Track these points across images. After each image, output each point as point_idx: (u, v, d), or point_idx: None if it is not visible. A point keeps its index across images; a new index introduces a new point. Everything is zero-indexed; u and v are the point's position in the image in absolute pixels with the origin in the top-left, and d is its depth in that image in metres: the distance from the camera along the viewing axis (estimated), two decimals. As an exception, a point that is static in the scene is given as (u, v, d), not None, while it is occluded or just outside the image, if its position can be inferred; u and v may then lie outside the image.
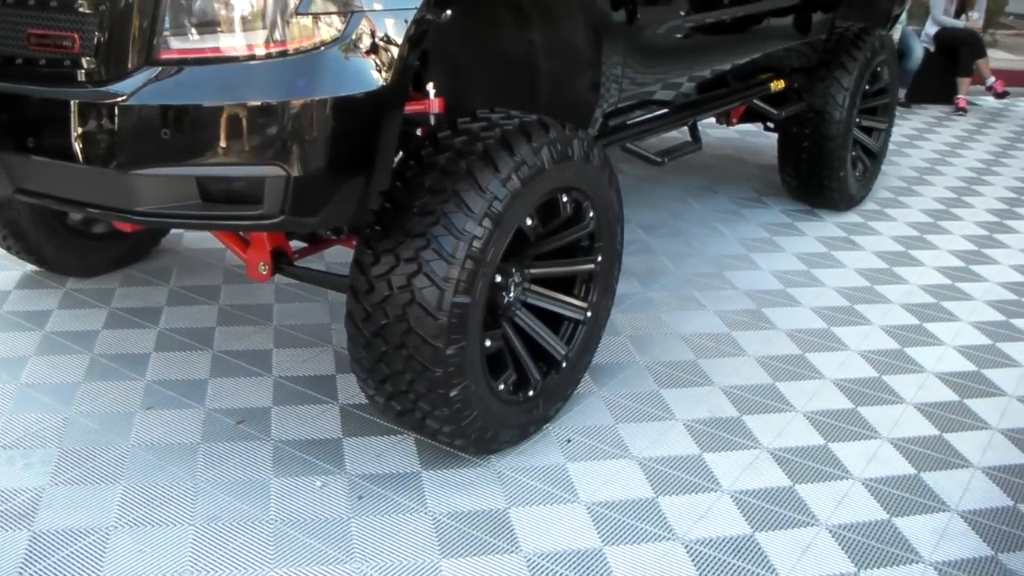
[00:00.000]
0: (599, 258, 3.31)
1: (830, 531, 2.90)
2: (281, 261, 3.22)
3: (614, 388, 3.61)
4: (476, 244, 2.68)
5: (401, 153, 2.85)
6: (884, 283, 4.79)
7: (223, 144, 2.46)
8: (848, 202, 5.76)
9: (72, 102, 2.46)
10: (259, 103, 2.42)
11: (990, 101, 9.84)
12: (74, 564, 2.59)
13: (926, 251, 5.31)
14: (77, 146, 2.48)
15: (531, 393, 3.13)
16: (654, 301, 4.40)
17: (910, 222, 5.78)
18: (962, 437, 3.44)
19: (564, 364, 3.25)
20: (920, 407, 3.63)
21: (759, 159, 6.89)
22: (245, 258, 3.25)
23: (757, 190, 6.18)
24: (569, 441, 3.26)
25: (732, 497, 3.01)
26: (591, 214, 3.21)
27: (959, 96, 9.27)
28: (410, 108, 2.81)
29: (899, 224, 5.72)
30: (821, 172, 5.52)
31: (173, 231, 4.69)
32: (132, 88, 2.42)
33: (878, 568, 2.76)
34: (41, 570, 2.56)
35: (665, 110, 4.18)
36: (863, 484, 3.14)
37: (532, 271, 3.17)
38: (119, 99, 2.42)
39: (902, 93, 8.55)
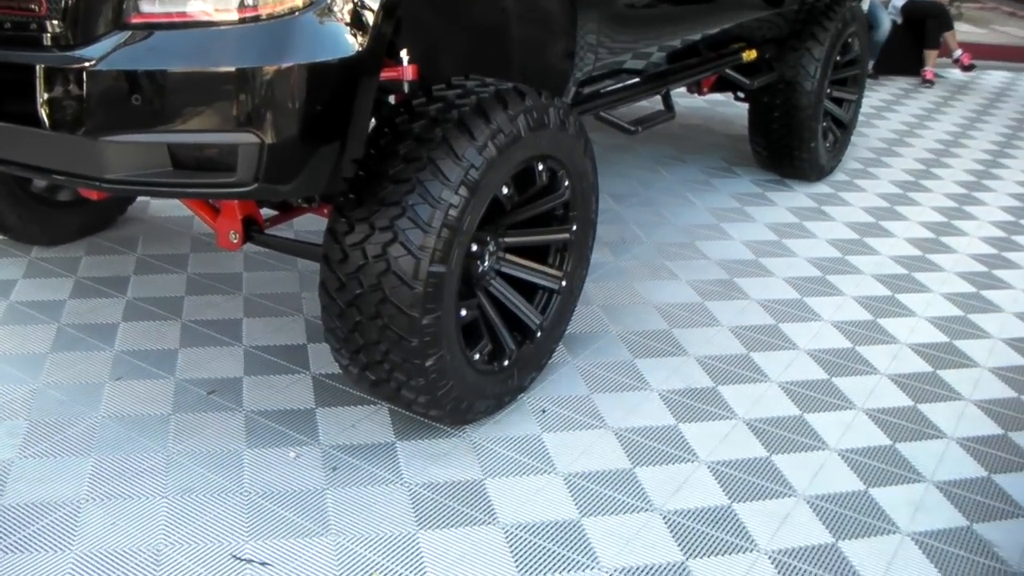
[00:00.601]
0: (574, 227, 3.29)
1: (807, 501, 2.91)
2: (252, 229, 3.17)
3: (588, 358, 3.60)
4: (452, 213, 2.65)
5: (375, 121, 2.80)
6: (855, 253, 4.81)
7: (195, 111, 2.42)
8: (818, 172, 5.77)
9: (38, 67, 2.40)
10: (232, 69, 2.37)
11: (956, 74, 9.89)
12: (45, 538, 2.55)
13: (896, 222, 5.33)
14: (44, 112, 2.42)
15: (506, 363, 3.11)
16: (626, 271, 4.39)
17: (880, 193, 5.80)
18: (936, 408, 3.47)
19: (539, 334, 3.24)
20: (894, 378, 3.65)
21: (728, 129, 6.89)
22: (215, 226, 3.20)
23: (727, 160, 6.17)
24: (544, 411, 3.24)
25: (709, 468, 3.02)
26: (566, 183, 3.18)
27: (926, 68, 9.31)
28: (384, 75, 2.77)
29: (869, 195, 5.74)
30: (792, 142, 5.52)
31: (140, 199, 4.61)
32: (101, 53, 2.36)
33: (855, 539, 2.77)
34: (11, 544, 2.52)
35: (638, 79, 4.15)
36: (839, 455, 3.15)
37: (507, 240, 3.14)
38: (87, 64, 2.36)
39: (870, 65, 8.56)
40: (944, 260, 4.84)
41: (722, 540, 2.71)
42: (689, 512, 2.81)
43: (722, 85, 5.39)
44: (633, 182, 5.62)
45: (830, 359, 3.74)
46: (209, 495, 2.74)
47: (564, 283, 3.31)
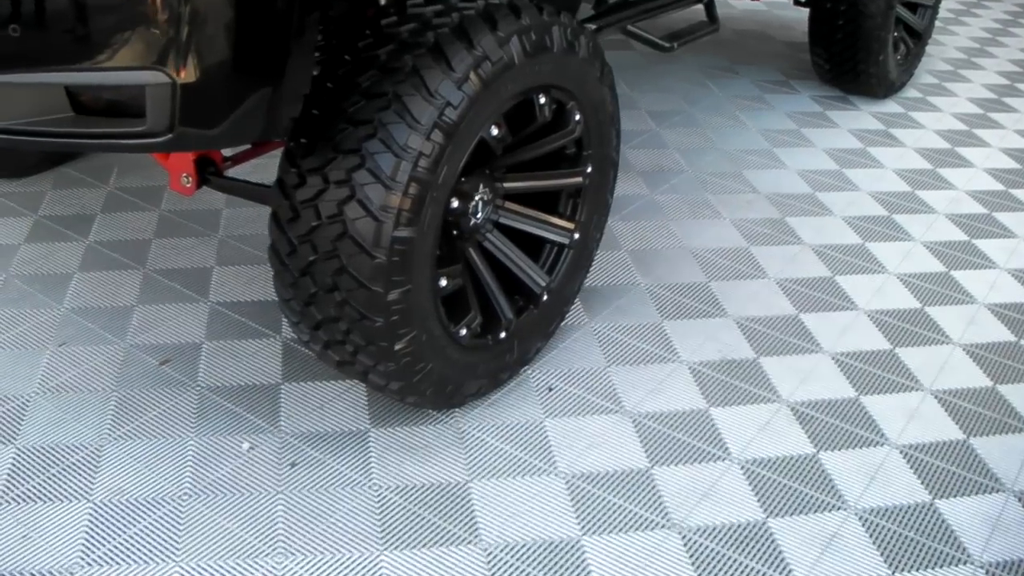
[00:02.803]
0: (588, 168, 2.74)
1: (858, 516, 2.39)
2: (208, 171, 2.65)
3: (609, 319, 3.07)
4: (423, 163, 2.12)
5: (335, 44, 2.27)
6: (928, 188, 4.18)
7: (88, 43, 1.90)
8: (887, 89, 5.09)
9: None
10: (130, -15, 1.84)
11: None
12: (-70, 558, 2.12)
13: (976, 149, 4.66)
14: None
15: (502, 335, 2.60)
16: (662, 207, 3.82)
17: (957, 113, 5.11)
18: None
19: (545, 296, 2.71)
20: (967, 347, 3.08)
21: (788, 35, 6.17)
22: (166, 166, 2.70)
23: (784, 72, 5.50)
24: (551, 389, 2.74)
25: (743, 469, 2.50)
26: (577, 117, 2.62)
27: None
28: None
29: (945, 116, 5.06)
30: (858, 55, 4.85)
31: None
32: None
33: (922, 570, 2.26)
34: None
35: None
36: (900, 452, 2.62)
37: (506, 185, 2.60)
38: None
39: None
40: (1031, 195, 4.20)
41: (753, 569, 2.21)
42: (716, 530, 2.31)
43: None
44: (676, 98, 5.00)
45: (895, 323, 3.17)
46: (141, 500, 2.30)
47: (577, 235, 2.78)
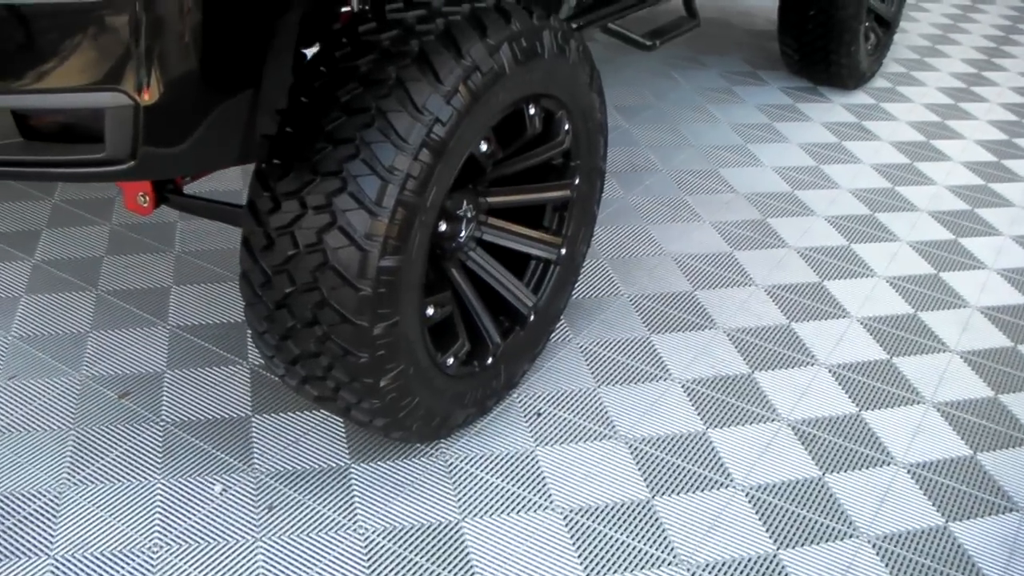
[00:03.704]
0: (576, 180, 2.58)
1: (872, 543, 2.27)
2: (165, 188, 2.45)
3: (594, 334, 2.92)
4: (410, 186, 1.94)
5: (310, 55, 2.08)
6: (908, 184, 4.08)
7: (39, 61, 1.70)
8: (857, 79, 4.99)
9: None
10: (85, -5, 1.64)
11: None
12: None
13: (951, 141, 4.58)
14: None
15: (489, 360, 2.44)
16: (639, 209, 3.68)
17: (928, 104, 5.03)
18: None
19: (531, 317, 2.56)
20: (964, 355, 2.98)
21: (750, 23, 6.05)
22: (120, 185, 2.50)
23: (750, 62, 5.38)
24: (539, 415, 2.59)
25: (748, 496, 2.37)
26: (566, 126, 2.46)
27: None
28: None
29: (916, 107, 4.97)
30: (829, 45, 4.74)
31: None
32: None
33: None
34: None
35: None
36: (907, 471, 2.50)
37: (490, 200, 2.44)
38: None
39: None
40: (1011, 191, 4.11)
41: (771, 610, 2.09)
42: (727, 566, 2.18)
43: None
44: (644, 92, 4.86)
45: (886, 329, 3.06)
46: (106, 553, 2.10)
47: (564, 251, 2.62)
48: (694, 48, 5.52)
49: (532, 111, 2.31)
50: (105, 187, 3.59)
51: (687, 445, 2.51)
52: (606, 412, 2.60)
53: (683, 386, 2.72)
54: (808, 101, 4.88)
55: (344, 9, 2.23)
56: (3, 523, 2.16)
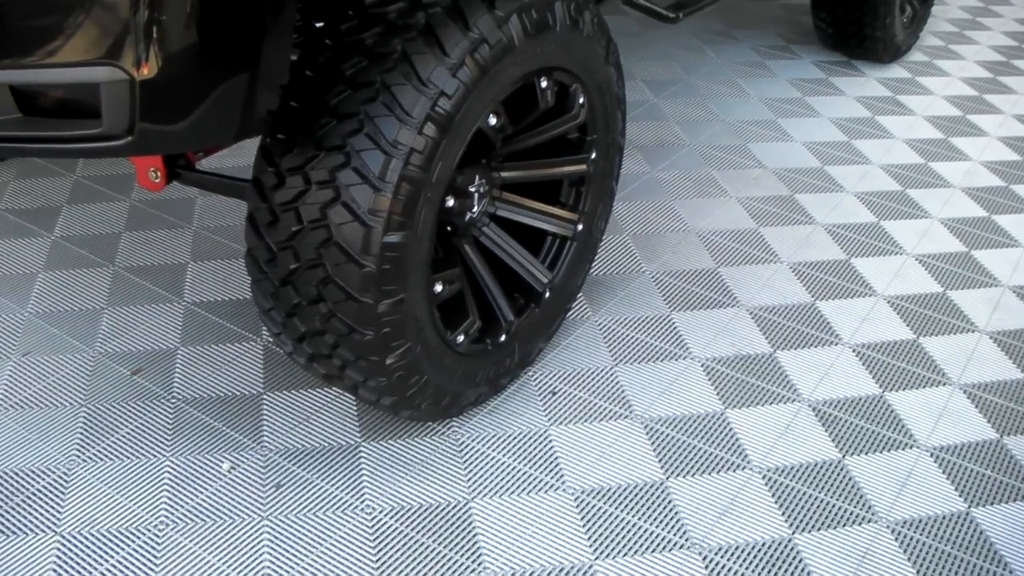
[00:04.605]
0: (593, 155, 2.52)
1: (891, 528, 2.21)
2: (177, 164, 2.43)
3: (613, 311, 2.87)
4: (415, 161, 1.90)
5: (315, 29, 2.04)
6: (941, 159, 3.98)
7: (36, 35, 1.67)
8: (893, 53, 4.88)
9: None
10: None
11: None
12: None
13: (988, 116, 4.46)
14: None
15: (503, 338, 2.40)
16: (664, 184, 3.62)
17: (966, 78, 4.90)
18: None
19: (547, 294, 2.51)
20: (994, 335, 2.90)
21: (785, -3, 5.95)
22: (132, 160, 2.48)
23: (784, 37, 5.28)
24: (554, 393, 2.54)
25: (764, 478, 2.32)
26: (581, 100, 2.41)
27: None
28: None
29: (953, 81, 4.85)
30: (864, 18, 4.63)
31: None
32: None
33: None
34: None
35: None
36: (930, 453, 2.44)
37: (503, 175, 2.39)
38: None
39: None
40: (1049, 164, 4.00)
41: (785, 596, 2.04)
42: (740, 549, 2.13)
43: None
44: (673, 66, 4.77)
45: (916, 309, 2.98)
46: (114, 530, 2.10)
47: (580, 227, 2.57)
48: (726, 22, 5.42)
49: (544, 85, 2.26)
50: (125, 163, 3.58)
51: (704, 425, 2.46)
52: (623, 391, 2.56)
53: (702, 365, 2.67)
54: (842, 75, 4.78)
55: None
56: (12, 499, 2.16)
